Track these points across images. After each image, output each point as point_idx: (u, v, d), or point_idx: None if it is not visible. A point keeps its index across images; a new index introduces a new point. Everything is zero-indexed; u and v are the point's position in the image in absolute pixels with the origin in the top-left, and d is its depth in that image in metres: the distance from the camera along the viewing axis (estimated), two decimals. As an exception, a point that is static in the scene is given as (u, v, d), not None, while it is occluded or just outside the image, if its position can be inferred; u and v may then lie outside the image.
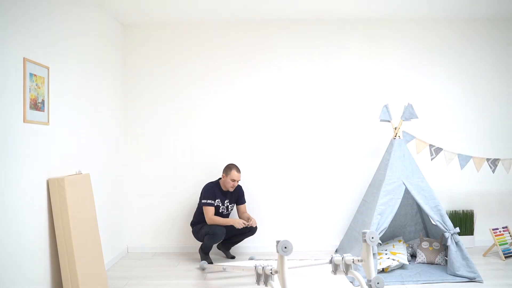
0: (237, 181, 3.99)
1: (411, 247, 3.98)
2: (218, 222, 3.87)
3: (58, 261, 2.90)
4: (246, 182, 4.30)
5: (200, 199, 4.01)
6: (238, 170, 3.99)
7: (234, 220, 3.89)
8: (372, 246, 3.35)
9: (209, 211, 3.91)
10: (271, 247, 4.39)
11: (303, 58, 4.43)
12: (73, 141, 3.27)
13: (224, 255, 4.22)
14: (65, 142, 3.13)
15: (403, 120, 3.81)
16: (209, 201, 3.92)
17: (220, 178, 4.08)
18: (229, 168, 3.98)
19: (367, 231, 2.82)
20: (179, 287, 3.34)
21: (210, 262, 3.86)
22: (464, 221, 4.33)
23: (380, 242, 3.42)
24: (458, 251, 3.39)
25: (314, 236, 4.41)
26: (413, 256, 3.96)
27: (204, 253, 3.95)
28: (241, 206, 4.15)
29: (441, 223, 3.45)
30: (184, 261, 4.04)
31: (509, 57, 4.47)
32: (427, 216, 4.02)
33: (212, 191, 3.97)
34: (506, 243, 3.99)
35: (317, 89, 4.43)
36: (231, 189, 4.00)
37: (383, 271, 3.53)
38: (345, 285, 3.33)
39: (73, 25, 3.29)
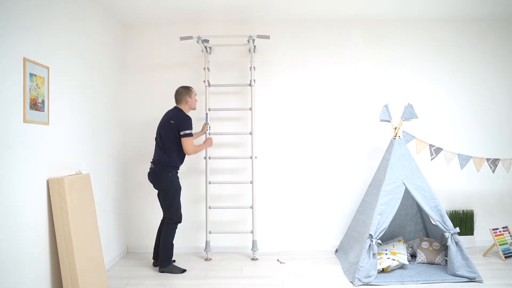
0: None
1: (411, 247, 3.99)
2: (199, 150, 3.76)
3: (58, 261, 2.90)
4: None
5: (178, 130, 3.60)
6: None
7: (206, 141, 3.90)
8: (372, 246, 3.37)
9: (191, 142, 3.65)
10: (271, 247, 4.39)
11: (303, 58, 4.43)
12: (73, 141, 3.27)
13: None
14: (65, 142, 3.13)
15: (403, 120, 3.81)
16: (190, 132, 3.64)
17: (175, 107, 3.77)
18: (187, 88, 3.76)
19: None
20: (179, 287, 3.34)
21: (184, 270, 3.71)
22: (464, 221, 4.33)
23: (380, 242, 3.43)
24: (458, 251, 3.39)
25: (314, 236, 4.41)
26: (413, 256, 3.96)
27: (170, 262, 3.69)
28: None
29: (441, 223, 3.45)
30: (184, 261, 4.03)
31: (509, 58, 4.47)
32: (427, 216, 4.03)
33: (190, 119, 3.67)
34: (506, 243, 3.99)
35: (317, 89, 4.43)
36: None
37: (383, 271, 3.53)
38: (345, 285, 3.33)
39: (73, 25, 3.29)
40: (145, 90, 4.45)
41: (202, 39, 4.02)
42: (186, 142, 3.62)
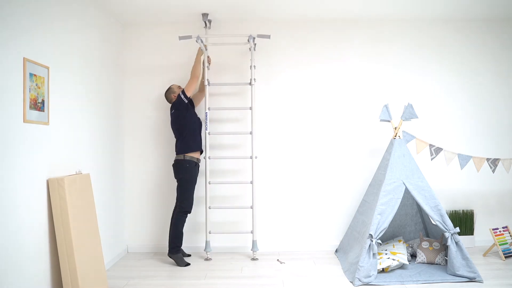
0: None
1: (411, 247, 3.99)
2: (197, 66, 3.99)
3: (58, 261, 2.90)
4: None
5: (180, 101, 3.91)
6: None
7: (198, 57, 4.02)
8: (372, 246, 3.37)
9: (188, 84, 3.95)
10: (271, 247, 4.39)
11: (303, 57, 4.43)
12: (73, 141, 3.27)
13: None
14: (65, 142, 3.13)
15: (403, 120, 3.81)
16: (182, 89, 3.97)
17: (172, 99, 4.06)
18: (168, 90, 4.09)
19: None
20: (179, 287, 3.34)
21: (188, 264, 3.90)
22: (464, 221, 4.33)
23: (380, 242, 3.43)
24: (458, 251, 3.39)
25: (314, 236, 4.41)
26: (413, 256, 3.96)
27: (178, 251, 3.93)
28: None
29: (441, 223, 3.45)
30: (184, 261, 4.03)
31: (509, 58, 4.47)
32: (427, 216, 4.03)
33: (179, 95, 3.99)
34: (506, 243, 3.99)
35: (317, 89, 4.43)
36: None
37: (383, 271, 3.53)
38: (345, 285, 3.33)
39: (73, 25, 3.29)
40: (145, 89, 4.44)
41: (201, 37, 4.02)
42: (187, 85, 3.93)
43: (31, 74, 2.66)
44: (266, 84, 4.43)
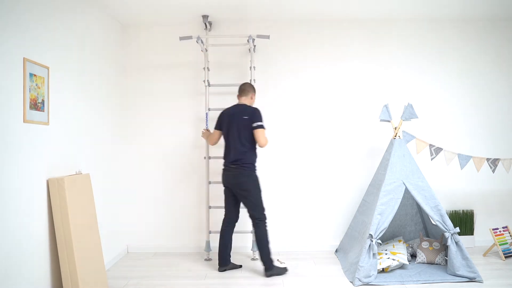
0: None
1: (411, 247, 3.99)
2: (211, 141, 3.80)
3: (58, 261, 2.90)
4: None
5: (256, 121, 3.50)
6: None
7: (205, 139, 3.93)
8: (372, 246, 3.37)
9: (264, 134, 3.55)
10: (271, 247, 4.39)
11: (302, 58, 4.43)
12: (73, 141, 3.27)
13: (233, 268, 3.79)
14: (65, 142, 3.13)
15: (403, 120, 3.81)
16: (263, 124, 3.57)
17: (242, 104, 3.64)
18: (253, 86, 3.77)
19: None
20: (179, 287, 3.34)
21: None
22: (464, 221, 4.33)
23: (380, 242, 3.43)
24: (458, 251, 3.39)
25: (314, 236, 4.41)
26: (413, 256, 3.96)
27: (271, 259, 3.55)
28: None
29: (441, 223, 3.45)
30: (184, 261, 4.04)
31: (510, 57, 4.47)
32: (427, 216, 4.03)
33: (260, 112, 3.64)
34: (506, 243, 3.99)
35: (317, 89, 4.43)
36: None
37: (383, 271, 3.53)
38: (345, 285, 3.33)
39: (73, 25, 3.29)
40: (145, 90, 4.44)
41: (202, 38, 4.02)
42: (262, 134, 3.50)
43: (31, 74, 2.66)
44: (266, 85, 4.43)
